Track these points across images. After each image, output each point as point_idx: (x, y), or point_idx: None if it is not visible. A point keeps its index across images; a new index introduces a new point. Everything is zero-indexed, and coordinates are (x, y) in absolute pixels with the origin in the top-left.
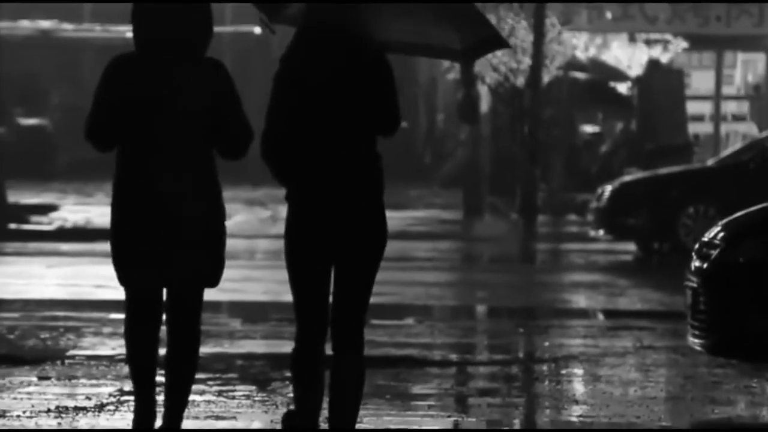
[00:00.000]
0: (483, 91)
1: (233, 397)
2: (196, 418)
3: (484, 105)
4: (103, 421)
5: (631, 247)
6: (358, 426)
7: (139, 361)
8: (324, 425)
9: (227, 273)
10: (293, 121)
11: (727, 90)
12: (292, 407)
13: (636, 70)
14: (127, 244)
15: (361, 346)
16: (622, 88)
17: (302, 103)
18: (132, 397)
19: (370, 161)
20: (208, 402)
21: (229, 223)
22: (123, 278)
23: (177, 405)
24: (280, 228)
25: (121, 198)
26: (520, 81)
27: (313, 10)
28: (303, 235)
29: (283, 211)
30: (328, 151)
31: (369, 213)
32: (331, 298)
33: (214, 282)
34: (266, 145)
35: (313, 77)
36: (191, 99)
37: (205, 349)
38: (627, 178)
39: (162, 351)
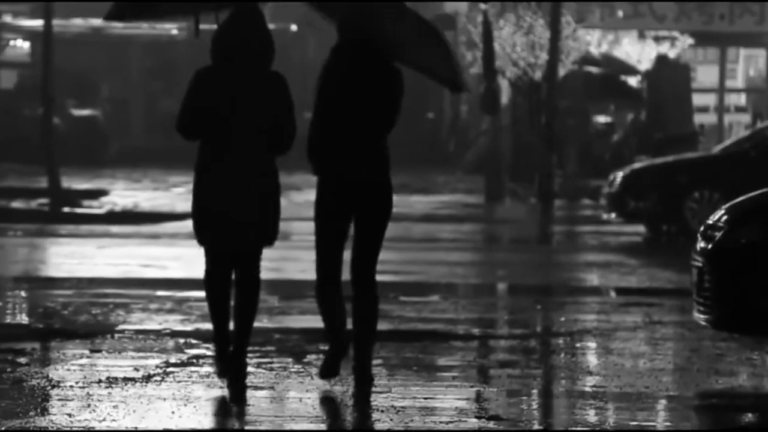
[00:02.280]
0: (503, 84)
1: (271, 369)
2: (236, 387)
3: (505, 97)
4: (150, 390)
5: (641, 229)
6: (387, 393)
7: (221, 309)
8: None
9: (266, 253)
10: (330, 122)
11: (730, 83)
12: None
13: (645, 64)
14: (206, 215)
15: (374, 284)
16: (633, 81)
17: (338, 109)
18: (177, 369)
19: (382, 149)
20: (248, 373)
21: None
22: (202, 240)
23: (242, 335)
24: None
25: (201, 178)
26: (538, 75)
27: (346, 28)
28: (326, 198)
29: (314, 195)
30: (355, 141)
31: (380, 184)
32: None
33: (271, 243)
34: (311, 142)
35: (346, 92)
36: (258, 104)
37: None
38: (637, 165)
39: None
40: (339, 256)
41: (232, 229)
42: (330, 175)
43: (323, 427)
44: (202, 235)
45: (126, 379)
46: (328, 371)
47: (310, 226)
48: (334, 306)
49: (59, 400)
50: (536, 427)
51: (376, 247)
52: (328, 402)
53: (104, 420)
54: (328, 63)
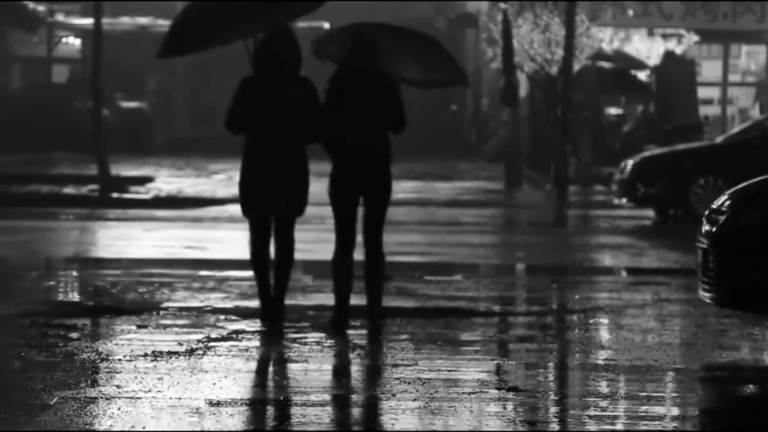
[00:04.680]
0: (522, 78)
1: (305, 343)
2: (273, 360)
3: (523, 91)
4: (193, 363)
5: (650, 213)
6: (414, 366)
7: (262, 266)
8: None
9: (301, 236)
10: (336, 118)
11: (732, 78)
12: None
13: (654, 60)
14: (251, 191)
15: (380, 251)
16: (642, 75)
17: (343, 108)
18: (218, 343)
19: (385, 143)
20: (284, 347)
21: None
22: (248, 211)
23: (282, 286)
24: None
25: (247, 163)
26: (554, 70)
27: (351, 59)
28: (341, 183)
29: None
30: (358, 135)
31: (383, 171)
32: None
33: (300, 213)
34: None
35: (349, 94)
36: (292, 104)
37: None
38: (646, 153)
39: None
40: (353, 231)
41: (272, 201)
42: (341, 165)
43: (354, 398)
44: (247, 207)
45: (170, 353)
46: (337, 327)
47: None
48: (342, 276)
49: (108, 372)
50: (552, 397)
51: (381, 221)
52: (357, 374)
53: (150, 391)
54: (332, 80)
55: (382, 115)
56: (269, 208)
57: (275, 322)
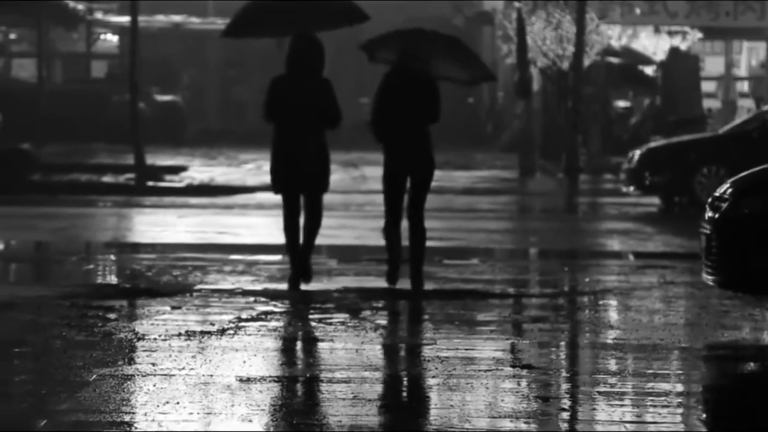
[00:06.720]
0: (535, 73)
1: (330, 323)
2: (300, 340)
3: (536, 85)
4: (224, 342)
5: (656, 200)
6: (433, 345)
7: (290, 236)
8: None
9: (326, 222)
10: (386, 113)
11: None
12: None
13: (660, 56)
14: (280, 172)
15: (422, 218)
16: (649, 70)
17: (391, 105)
18: (248, 323)
19: (426, 131)
20: (310, 328)
21: None
22: (278, 189)
23: (309, 246)
24: (370, 185)
25: (276, 149)
26: (565, 65)
27: (399, 61)
28: (392, 166)
29: (368, 170)
30: (405, 127)
31: (426, 154)
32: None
33: (325, 189)
34: (373, 123)
35: (396, 92)
36: (313, 100)
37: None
38: (653, 144)
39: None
40: (400, 206)
41: (297, 181)
42: (392, 153)
43: (377, 375)
44: (276, 186)
45: (203, 333)
46: (391, 281)
47: (365, 197)
48: (394, 240)
49: (144, 350)
50: (564, 374)
51: (423, 198)
52: (379, 352)
53: (183, 368)
54: (386, 79)
55: (422, 110)
56: (295, 187)
57: (306, 276)
